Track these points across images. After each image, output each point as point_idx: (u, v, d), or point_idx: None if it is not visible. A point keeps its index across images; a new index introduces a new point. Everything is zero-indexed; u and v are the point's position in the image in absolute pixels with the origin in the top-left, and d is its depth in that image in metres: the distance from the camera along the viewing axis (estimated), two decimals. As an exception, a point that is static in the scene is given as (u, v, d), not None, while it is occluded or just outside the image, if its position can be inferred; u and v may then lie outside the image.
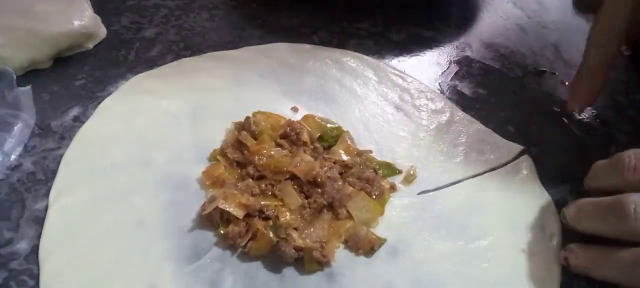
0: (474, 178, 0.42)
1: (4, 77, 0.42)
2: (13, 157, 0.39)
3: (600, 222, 0.34)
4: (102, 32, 0.51)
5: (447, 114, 0.46)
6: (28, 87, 0.42)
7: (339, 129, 0.43)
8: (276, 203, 0.37)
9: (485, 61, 0.53)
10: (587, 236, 0.35)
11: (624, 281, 0.33)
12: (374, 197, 0.39)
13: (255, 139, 0.40)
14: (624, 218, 0.32)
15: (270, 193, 0.38)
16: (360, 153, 0.41)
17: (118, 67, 0.48)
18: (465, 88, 0.50)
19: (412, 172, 0.41)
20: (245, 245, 0.35)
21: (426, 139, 0.44)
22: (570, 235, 0.38)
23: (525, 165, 0.43)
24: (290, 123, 0.41)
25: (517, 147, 0.44)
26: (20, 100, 0.41)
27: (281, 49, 0.51)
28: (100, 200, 0.37)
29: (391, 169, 0.41)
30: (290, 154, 0.39)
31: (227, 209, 0.35)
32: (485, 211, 0.39)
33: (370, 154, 0.42)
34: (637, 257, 0.32)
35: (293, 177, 0.38)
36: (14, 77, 0.42)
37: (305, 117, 0.43)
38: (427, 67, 0.52)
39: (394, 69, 0.50)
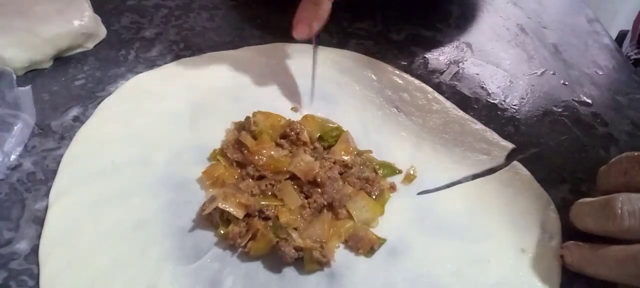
0: (472, 178, 0.42)
1: (4, 77, 0.42)
2: (13, 157, 0.39)
3: (593, 221, 0.35)
4: (102, 32, 0.51)
5: (447, 114, 0.46)
6: (28, 87, 0.42)
7: (339, 128, 0.43)
8: (276, 203, 0.37)
9: (485, 61, 0.53)
10: (587, 235, 0.36)
11: (615, 277, 0.34)
12: (374, 197, 0.39)
13: (255, 138, 0.40)
14: (612, 218, 0.33)
15: (270, 193, 0.38)
16: (360, 153, 0.41)
17: (118, 67, 0.48)
18: (465, 88, 0.50)
19: (412, 172, 0.41)
20: (245, 245, 0.35)
21: (426, 138, 0.44)
22: (570, 235, 0.38)
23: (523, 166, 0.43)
24: (290, 123, 0.41)
25: (510, 146, 0.44)
26: (20, 100, 0.41)
27: (281, 49, 0.51)
28: (100, 200, 0.37)
29: (391, 169, 0.41)
30: (290, 154, 0.40)
31: (227, 209, 0.35)
32: (485, 211, 0.39)
33: (370, 154, 0.42)
34: (627, 254, 0.33)
35: (293, 177, 0.38)
36: (14, 77, 0.42)
37: (305, 117, 0.43)
38: (427, 67, 0.52)
39: (394, 69, 0.50)
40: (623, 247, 0.33)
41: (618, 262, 0.33)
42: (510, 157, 0.44)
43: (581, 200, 0.37)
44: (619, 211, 0.33)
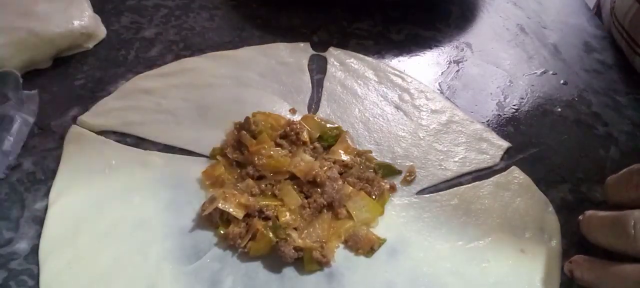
0: (472, 179, 0.42)
1: (10, 79, 0.41)
2: (12, 156, 0.39)
3: (604, 237, 0.34)
4: (102, 32, 0.51)
5: (447, 114, 0.46)
6: (35, 91, 0.42)
7: (338, 128, 0.43)
8: (276, 203, 0.37)
9: (484, 61, 0.53)
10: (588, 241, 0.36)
11: None
12: (373, 197, 0.39)
13: (255, 138, 0.40)
14: (624, 236, 0.33)
15: (270, 193, 0.38)
16: (360, 153, 0.41)
17: (118, 67, 0.48)
18: (464, 88, 0.50)
19: (411, 172, 0.41)
20: (245, 245, 0.35)
21: (426, 138, 0.44)
22: (569, 237, 0.38)
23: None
24: (290, 123, 0.41)
25: (509, 146, 0.44)
26: (25, 102, 0.41)
27: (281, 49, 0.51)
28: (100, 200, 0.37)
29: (391, 169, 0.41)
30: (290, 154, 0.40)
31: (227, 209, 0.35)
32: (484, 212, 0.39)
33: (370, 154, 0.42)
34: None
35: (293, 177, 0.38)
36: (20, 79, 0.42)
37: (305, 117, 0.43)
38: (427, 67, 0.52)
39: (394, 69, 0.50)
40: (637, 266, 0.32)
41: (634, 281, 0.32)
42: (510, 157, 0.44)
43: (592, 212, 0.36)
44: (632, 231, 0.32)
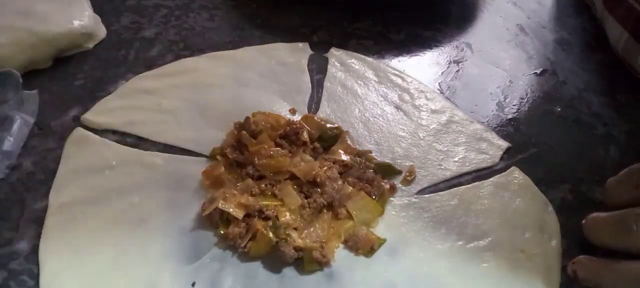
0: (472, 179, 0.42)
1: (10, 79, 0.41)
2: (12, 157, 0.39)
3: (608, 236, 0.35)
4: (102, 32, 0.51)
5: (447, 114, 0.46)
6: (35, 91, 0.42)
7: (338, 128, 0.43)
8: (276, 203, 0.37)
9: (484, 61, 0.53)
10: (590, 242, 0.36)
11: None
12: (373, 197, 0.39)
13: (255, 138, 0.40)
14: (627, 233, 0.33)
15: (270, 193, 0.38)
16: (360, 154, 0.41)
17: (118, 67, 0.48)
18: (464, 88, 0.50)
19: (411, 172, 0.41)
20: (245, 245, 0.35)
21: (426, 138, 0.44)
22: (569, 237, 0.38)
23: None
24: (290, 123, 0.41)
25: (509, 146, 0.44)
26: (25, 102, 0.41)
27: (281, 49, 0.51)
28: (99, 200, 0.37)
29: (391, 169, 0.41)
30: (290, 154, 0.40)
31: (227, 210, 0.35)
32: (484, 211, 0.39)
33: (370, 154, 0.42)
34: None
35: (293, 177, 0.38)
36: (20, 80, 0.41)
37: (305, 117, 0.43)
38: (427, 67, 0.52)
39: (394, 69, 0.50)
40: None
41: (636, 278, 0.32)
42: (510, 157, 0.44)
43: (594, 214, 0.36)
44: (635, 227, 0.32)
